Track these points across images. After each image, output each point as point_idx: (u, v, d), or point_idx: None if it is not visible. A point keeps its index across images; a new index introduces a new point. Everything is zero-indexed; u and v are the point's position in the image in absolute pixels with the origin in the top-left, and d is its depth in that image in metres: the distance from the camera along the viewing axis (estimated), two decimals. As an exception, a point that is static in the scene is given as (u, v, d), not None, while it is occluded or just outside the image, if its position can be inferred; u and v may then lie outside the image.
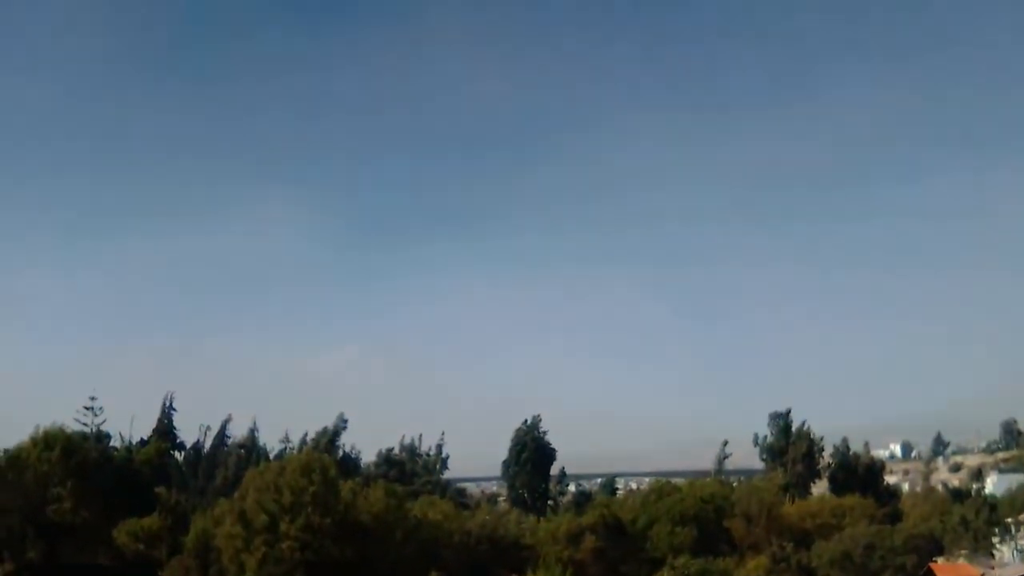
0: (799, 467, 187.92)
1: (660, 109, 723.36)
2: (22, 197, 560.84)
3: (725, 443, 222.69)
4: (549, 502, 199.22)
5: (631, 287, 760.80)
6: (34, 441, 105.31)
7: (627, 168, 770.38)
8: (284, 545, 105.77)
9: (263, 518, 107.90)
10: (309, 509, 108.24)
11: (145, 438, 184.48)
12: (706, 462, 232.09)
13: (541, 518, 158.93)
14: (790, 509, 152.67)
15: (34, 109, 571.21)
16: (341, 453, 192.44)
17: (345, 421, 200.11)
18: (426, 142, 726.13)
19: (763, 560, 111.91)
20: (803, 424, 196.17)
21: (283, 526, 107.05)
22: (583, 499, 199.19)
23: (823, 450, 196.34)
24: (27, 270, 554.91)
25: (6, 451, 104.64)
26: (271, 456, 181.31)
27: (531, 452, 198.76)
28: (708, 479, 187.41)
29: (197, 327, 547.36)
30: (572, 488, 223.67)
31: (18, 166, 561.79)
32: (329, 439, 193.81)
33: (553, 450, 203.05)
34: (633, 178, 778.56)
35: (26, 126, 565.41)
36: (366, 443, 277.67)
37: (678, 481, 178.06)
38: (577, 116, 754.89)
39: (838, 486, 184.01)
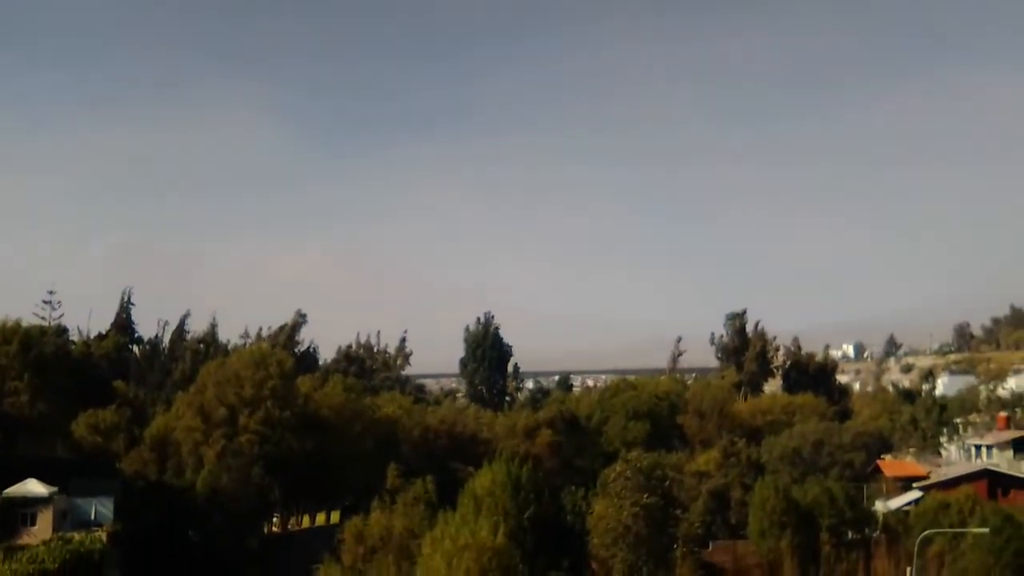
0: (752, 366, 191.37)
1: (637, 7, 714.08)
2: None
3: (679, 339, 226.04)
4: (506, 398, 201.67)
5: (592, 187, 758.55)
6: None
7: (596, 68, 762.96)
8: (243, 438, 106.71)
9: (222, 411, 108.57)
10: (268, 403, 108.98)
11: (104, 332, 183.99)
12: (662, 361, 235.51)
13: (499, 413, 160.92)
14: (742, 406, 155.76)
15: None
16: (300, 349, 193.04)
17: (304, 316, 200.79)
18: (397, 43, 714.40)
19: (714, 454, 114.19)
20: (758, 324, 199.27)
21: (242, 419, 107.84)
22: (540, 396, 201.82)
23: (777, 349, 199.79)
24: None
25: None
26: (231, 352, 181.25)
27: (488, 349, 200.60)
28: (663, 377, 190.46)
29: (159, 224, 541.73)
30: (529, 385, 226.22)
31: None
32: (288, 335, 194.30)
33: (509, 347, 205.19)
34: (601, 78, 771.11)
35: None
36: (328, 341, 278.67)
37: (633, 379, 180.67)
38: (551, 15, 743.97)
39: (791, 385, 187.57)
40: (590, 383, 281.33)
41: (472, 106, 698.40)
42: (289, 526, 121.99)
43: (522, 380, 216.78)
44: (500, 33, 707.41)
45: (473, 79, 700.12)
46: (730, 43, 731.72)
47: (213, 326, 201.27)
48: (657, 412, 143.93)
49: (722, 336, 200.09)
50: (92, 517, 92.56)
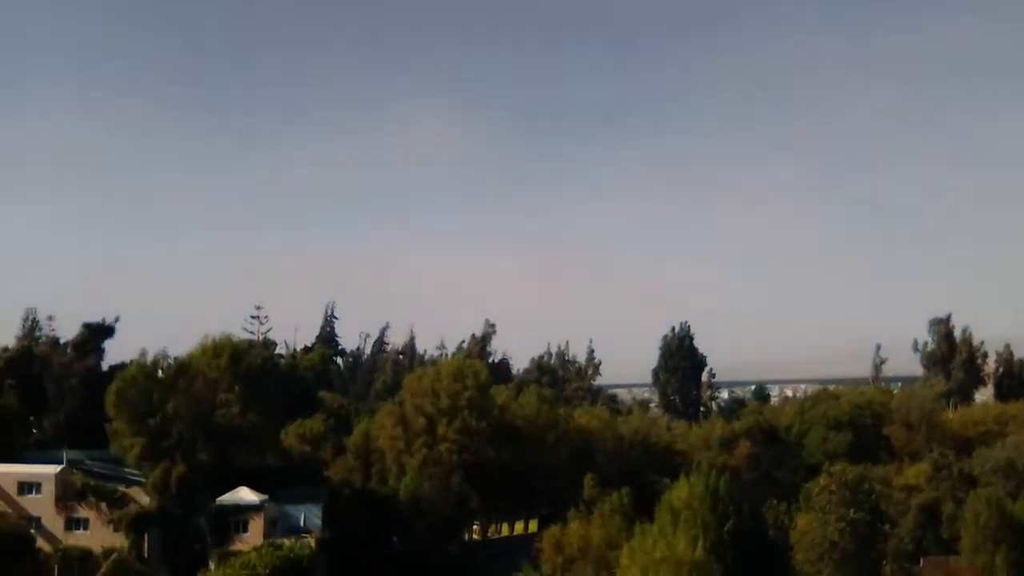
0: (961, 374, 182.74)
1: None
2: (183, 100, 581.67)
3: (878, 347, 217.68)
4: (701, 408, 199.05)
5: (786, 190, 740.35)
6: (203, 349, 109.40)
7: (791, 61, 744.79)
8: (442, 447, 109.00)
9: (422, 421, 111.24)
10: (465, 413, 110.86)
11: (309, 345, 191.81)
12: (863, 370, 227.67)
13: (693, 424, 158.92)
14: (951, 416, 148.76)
15: (205, 21, 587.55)
16: (494, 359, 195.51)
17: (493, 326, 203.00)
18: (577, 44, 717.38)
19: (923, 467, 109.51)
20: (965, 330, 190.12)
21: (441, 429, 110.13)
22: (735, 406, 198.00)
23: (986, 356, 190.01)
24: (189, 181, 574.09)
25: (176, 359, 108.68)
26: (427, 362, 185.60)
27: (682, 359, 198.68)
28: (866, 386, 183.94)
29: (354, 236, 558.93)
30: (724, 395, 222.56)
31: (186, 68, 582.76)
32: (480, 345, 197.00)
33: (703, 356, 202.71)
34: (795, 72, 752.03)
35: (195, 36, 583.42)
36: (520, 349, 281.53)
37: (834, 388, 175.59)
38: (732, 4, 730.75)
39: (1003, 393, 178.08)
40: (788, 393, 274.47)
41: (664, 104, 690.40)
42: (489, 534, 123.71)
43: (717, 390, 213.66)
44: (684, 26, 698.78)
45: (665, 75, 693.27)
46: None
47: (411, 338, 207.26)
48: (860, 423, 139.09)
49: (926, 343, 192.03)
50: (301, 524, 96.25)
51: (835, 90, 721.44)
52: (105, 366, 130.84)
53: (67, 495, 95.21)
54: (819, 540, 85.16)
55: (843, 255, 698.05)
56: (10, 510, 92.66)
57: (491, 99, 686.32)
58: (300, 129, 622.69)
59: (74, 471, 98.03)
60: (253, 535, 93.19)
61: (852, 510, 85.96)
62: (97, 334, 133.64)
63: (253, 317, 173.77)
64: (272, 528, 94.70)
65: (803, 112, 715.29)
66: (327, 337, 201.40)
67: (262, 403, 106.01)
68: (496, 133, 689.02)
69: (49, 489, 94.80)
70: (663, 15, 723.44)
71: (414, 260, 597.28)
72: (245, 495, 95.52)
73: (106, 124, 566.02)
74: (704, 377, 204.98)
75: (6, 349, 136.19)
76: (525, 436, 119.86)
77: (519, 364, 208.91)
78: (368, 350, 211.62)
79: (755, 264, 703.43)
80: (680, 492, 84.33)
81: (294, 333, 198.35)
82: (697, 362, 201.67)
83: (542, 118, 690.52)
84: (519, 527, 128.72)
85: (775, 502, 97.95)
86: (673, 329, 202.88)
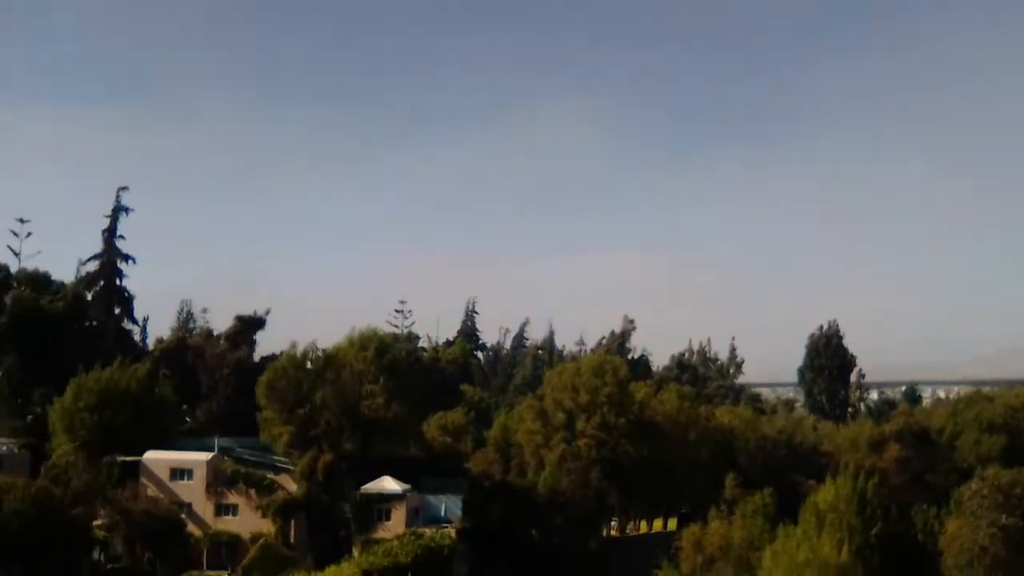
0: None
1: None
2: (325, 111, 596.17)
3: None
4: (848, 409, 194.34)
5: (936, 191, 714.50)
6: (350, 342, 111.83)
7: (940, 63, 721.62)
8: (581, 442, 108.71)
9: (561, 416, 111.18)
10: (604, 408, 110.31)
11: (450, 339, 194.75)
12: (1015, 371, 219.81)
13: (840, 425, 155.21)
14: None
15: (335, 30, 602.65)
16: (633, 356, 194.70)
17: (632, 322, 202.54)
18: (721, 44, 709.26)
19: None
20: None
21: (580, 424, 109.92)
22: (885, 407, 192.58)
23: None
24: (335, 176, 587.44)
25: (325, 351, 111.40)
26: (566, 358, 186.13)
27: (829, 358, 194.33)
28: (1021, 388, 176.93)
29: (496, 232, 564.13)
30: (873, 396, 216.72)
31: (324, 78, 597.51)
32: (619, 342, 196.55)
33: (852, 356, 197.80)
34: (947, 75, 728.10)
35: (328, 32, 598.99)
36: (660, 346, 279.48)
37: (989, 390, 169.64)
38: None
39: None
40: (940, 394, 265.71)
41: (797, 104, 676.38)
42: (627, 531, 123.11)
43: (866, 390, 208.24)
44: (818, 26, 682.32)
45: (798, 77, 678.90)
46: None
47: (551, 333, 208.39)
48: (1014, 425, 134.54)
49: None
50: (442, 514, 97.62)
51: (984, 91, 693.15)
52: (256, 357, 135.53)
53: (217, 481, 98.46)
54: (969, 545, 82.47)
55: (997, 254, 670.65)
56: (162, 495, 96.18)
57: (636, 100, 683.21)
58: (444, 124, 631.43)
59: (225, 458, 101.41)
60: (395, 523, 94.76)
61: (1004, 515, 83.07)
62: (249, 326, 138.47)
63: (397, 311, 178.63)
64: (414, 517, 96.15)
65: (957, 114, 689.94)
66: (468, 331, 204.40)
67: (406, 395, 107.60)
68: (640, 132, 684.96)
69: (200, 475, 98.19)
70: (815, 13, 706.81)
71: (555, 255, 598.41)
72: (388, 484, 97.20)
73: (252, 124, 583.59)
74: (853, 377, 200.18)
75: (162, 340, 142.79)
76: (665, 433, 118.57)
77: (659, 361, 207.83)
78: (508, 345, 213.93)
79: (906, 263, 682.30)
80: (826, 494, 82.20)
81: (436, 327, 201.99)
82: (846, 361, 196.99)
83: (688, 117, 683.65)
84: (658, 524, 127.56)
85: (925, 506, 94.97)
86: (821, 328, 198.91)
